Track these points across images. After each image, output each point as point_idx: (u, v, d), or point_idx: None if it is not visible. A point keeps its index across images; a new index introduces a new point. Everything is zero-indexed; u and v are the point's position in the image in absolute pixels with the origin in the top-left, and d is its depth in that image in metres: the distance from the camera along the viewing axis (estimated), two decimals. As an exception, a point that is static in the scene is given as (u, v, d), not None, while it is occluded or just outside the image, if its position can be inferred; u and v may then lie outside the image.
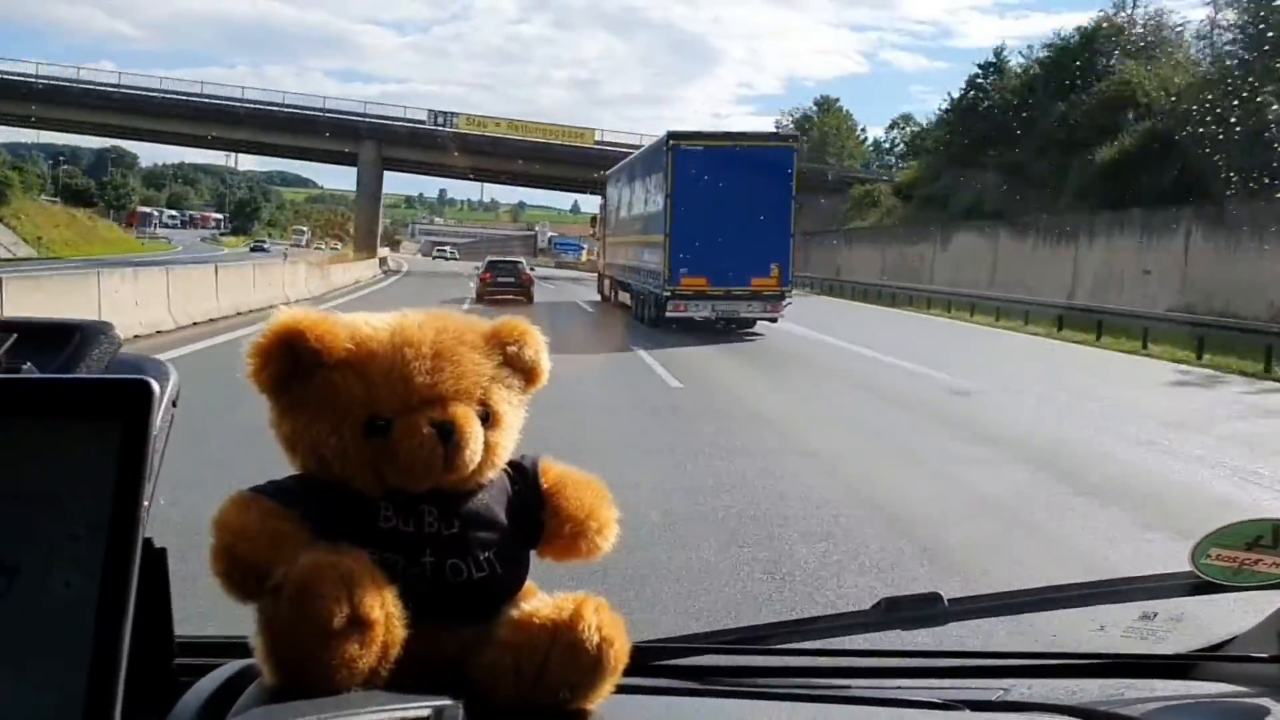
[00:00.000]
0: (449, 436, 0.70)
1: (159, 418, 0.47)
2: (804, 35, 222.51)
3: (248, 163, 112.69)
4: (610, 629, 0.68)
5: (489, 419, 0.74)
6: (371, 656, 0.63)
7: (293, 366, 0.71)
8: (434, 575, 0.70)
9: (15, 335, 0.50)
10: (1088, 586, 0.87)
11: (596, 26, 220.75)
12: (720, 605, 2.83)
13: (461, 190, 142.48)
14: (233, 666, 0.66)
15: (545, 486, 0.77)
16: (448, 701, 0.59)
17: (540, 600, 0.71)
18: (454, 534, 0.72)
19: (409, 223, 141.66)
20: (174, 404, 0.55)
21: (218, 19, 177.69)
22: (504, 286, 19.99)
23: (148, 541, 0.57)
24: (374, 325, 0.74)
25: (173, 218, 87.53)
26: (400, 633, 0.64)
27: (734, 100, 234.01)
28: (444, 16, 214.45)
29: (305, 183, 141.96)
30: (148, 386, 0.46)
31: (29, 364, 0.51)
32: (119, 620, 0.42)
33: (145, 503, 0.45)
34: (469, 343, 0.75)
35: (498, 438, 0.74)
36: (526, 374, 0.77)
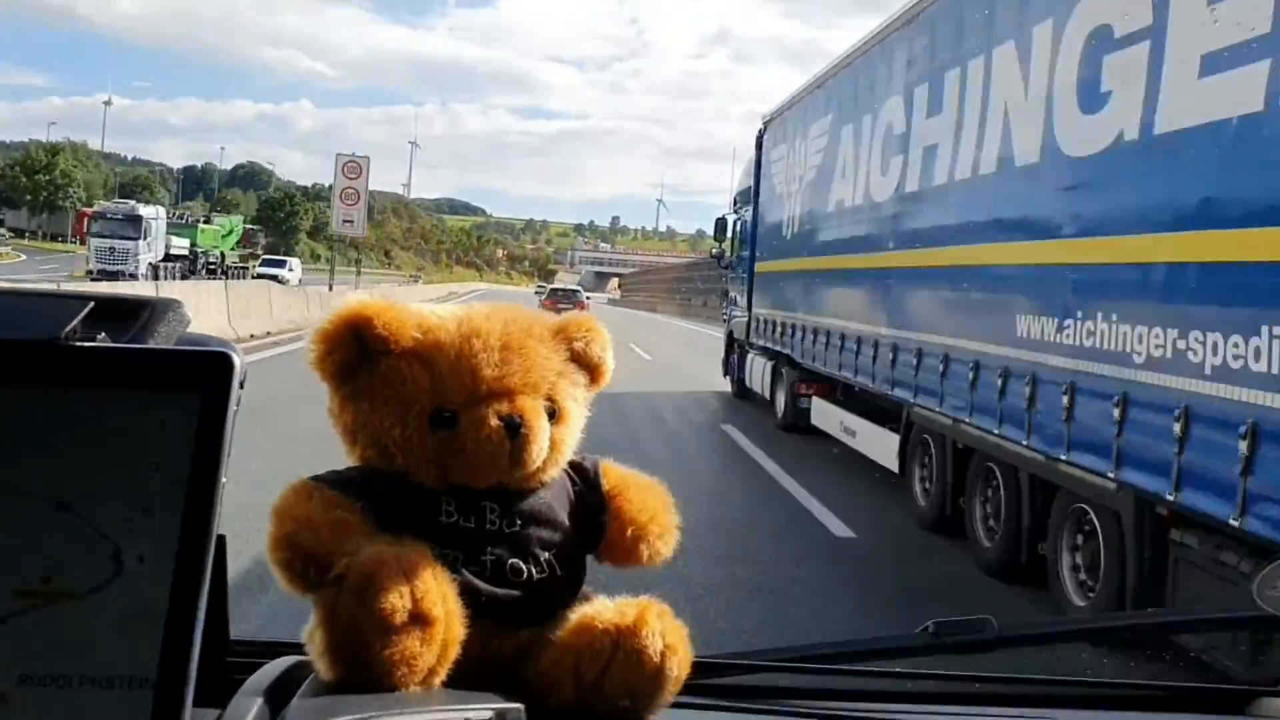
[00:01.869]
0: (516, 430, 0.70)
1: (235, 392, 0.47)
2: None
3: (419, 189, 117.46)
4: (673, 637, 0.67)
5: (554, 415, 0.74)
6: (431, 654, 0.62)
7: (358, 354, 0.71)
8: (494, 573, 0.70)
9: (92, 304, 0.50)
10: (1148, 616, 1.03)
11: (775, 59, 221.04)
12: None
13: (637, 215, 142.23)
14: (287, 661, 0.65)
15: (607, 488, 0.78)
16: (511, 705, 0.60)
17: (601, 604, 0.71)
18: (515, 532, 0.72)
19: (569, 250, 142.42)
20: (241, 385, 0.53)
21: (409, 58, 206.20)
22: (563, 310, 15.66)
23: None
24: (441, 316, 0.74)
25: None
26: (460, 631, 0.64)
27: None
28: (623, 53, 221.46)
29: (474, 210, 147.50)
30: (228, 358, 0.47)
31: (103, 334, 0.51)
32: (194, 599, 0.41)
33: (223, 479, 0.44)
34: (536, 336, 0.75)
35: (562, 434, 0.74)
36: (592, 371, 0.78)
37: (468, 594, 0.66)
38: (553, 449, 0.74)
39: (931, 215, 4.81)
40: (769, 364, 8.54)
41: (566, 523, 0.75)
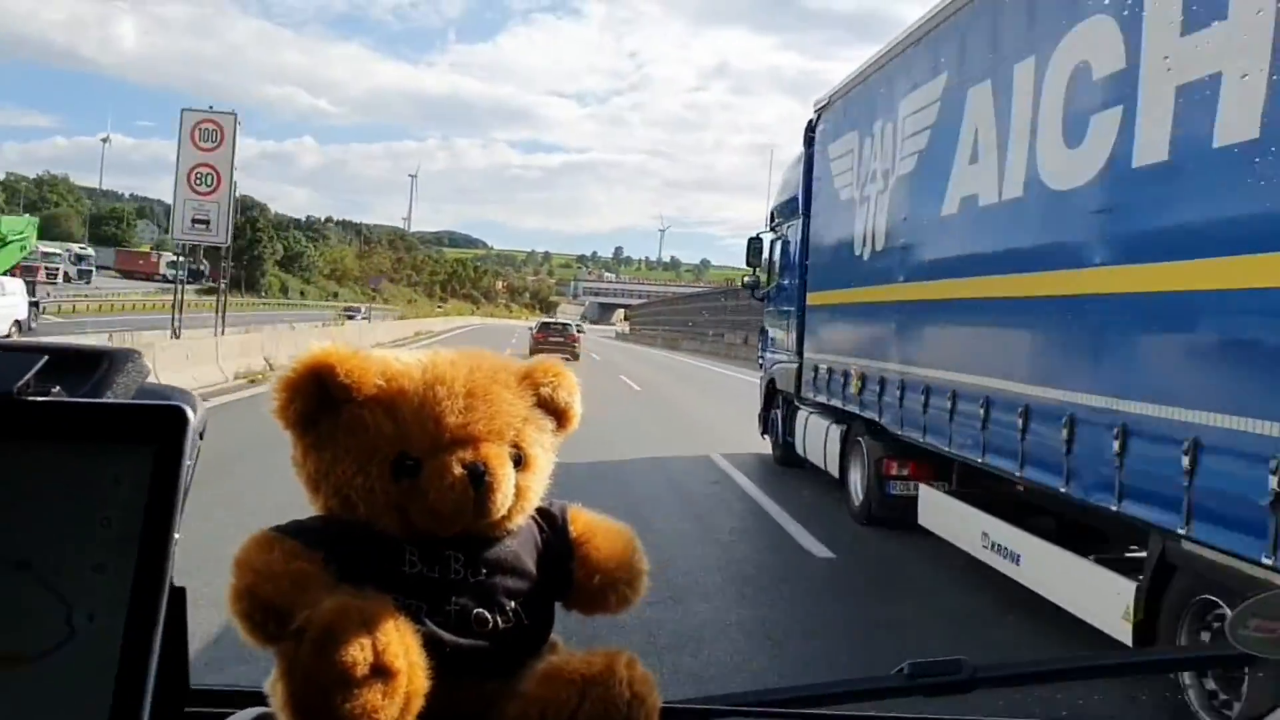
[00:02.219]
0: (480, 478, 0.71)
1: (191, 446, 0.48)
2: None
3: (421, 223, 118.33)
4: (642, 686, 0.67)
5: (520, 462, 0.75)
6: (394, 707, 0.62)
7: (321, 402, 0.72)
8: (458, 623, 0.70)
9: (46, 357, 0.51)
10: (1122, 656, 0.99)
11: (775, 91, 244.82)
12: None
13: (640, 247, 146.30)
14: (251, 712, 0.65)
15: (574, 535, 0.78)
16: None
17: (568, 653, 0.72)
18: (480, 581, 0.73)
19: (572, 281, 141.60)
20: (200, 436, 0.55)
21: (411, 94, 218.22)
22: (555, 344, 22.93)
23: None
24: (405, 362, 0.75)
25: (79, 259, 44.92)
26: (423, 683, 0.64)
27: None
28: (623, 87, 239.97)
29: (475, 243, 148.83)
30: (182, 413, 0.47)
31: (58, 388, 0.51)
32: (145, 656, 0.41)
33: (176, 534, 0.44)
34: (502, 382, 0.76)
35: (529, 481, 0.75)
36: (559, 417, 0.78)
37: (431, 645, 0.66)
38: (519, 496, 0.75)
39: (1168, 206, 2.82)
40: (836, 428, 6.33)
41: (533, 570, 0.76)
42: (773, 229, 8.45)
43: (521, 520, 0.78)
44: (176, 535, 0.44)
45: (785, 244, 7.85)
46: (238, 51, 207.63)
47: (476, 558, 0.74)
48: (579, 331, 25.99)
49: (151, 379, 0.58)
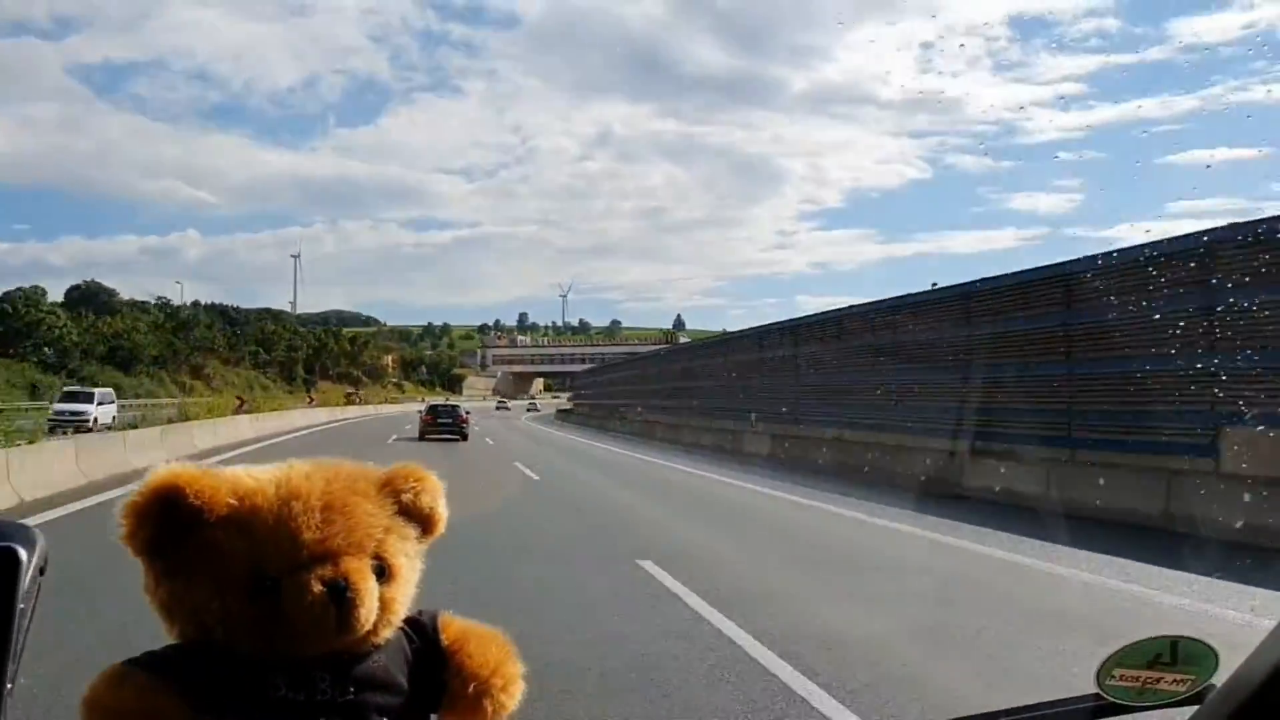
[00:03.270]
0: (342, 595, 0.84)
1: (25, 588, 0.50)
2: (866, 147, 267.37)
3: (306, 306, 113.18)
4: None
5: (384, 573, 0.89)
6: None
7: (171, 526, 0.84)
8: None
9: None
10: (988, 717, 1.02)
11: (658, 156, 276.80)
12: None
13: (543, 314, 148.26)
14: None
15: (446, 643, 0.95)
16: None
17: None
18: (349, 701, 0.86)
19: (478, 351, 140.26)
20: (41, 571, 0.58)
21: (295, 180, 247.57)
22: (443, 426, 27.42)
23: None
24: (258, 478, 0.90)
25: None
26: None
27: (799, 216, 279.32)
28: (509, 160, 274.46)
29: (366, 321, 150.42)
30: (12, 554, 0.51)
31: None
32: None
33: (9, 684, 0.47)
34: (361, 492, 0.91)
35: (394, 593, 0.90)
36: (423, 522, 0.95)
37: None
38: (384, 609, 0.88)
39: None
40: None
41: (405, 684, 0.90)
42: None
43: (389, 633, 0.91)
44: (10, 685, 0.48)
45: None
46: (111, 146, 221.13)
47: (344, 676, 0.86)
48: (467, 414, 30.02)
49: None
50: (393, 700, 0.89)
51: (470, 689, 0.93)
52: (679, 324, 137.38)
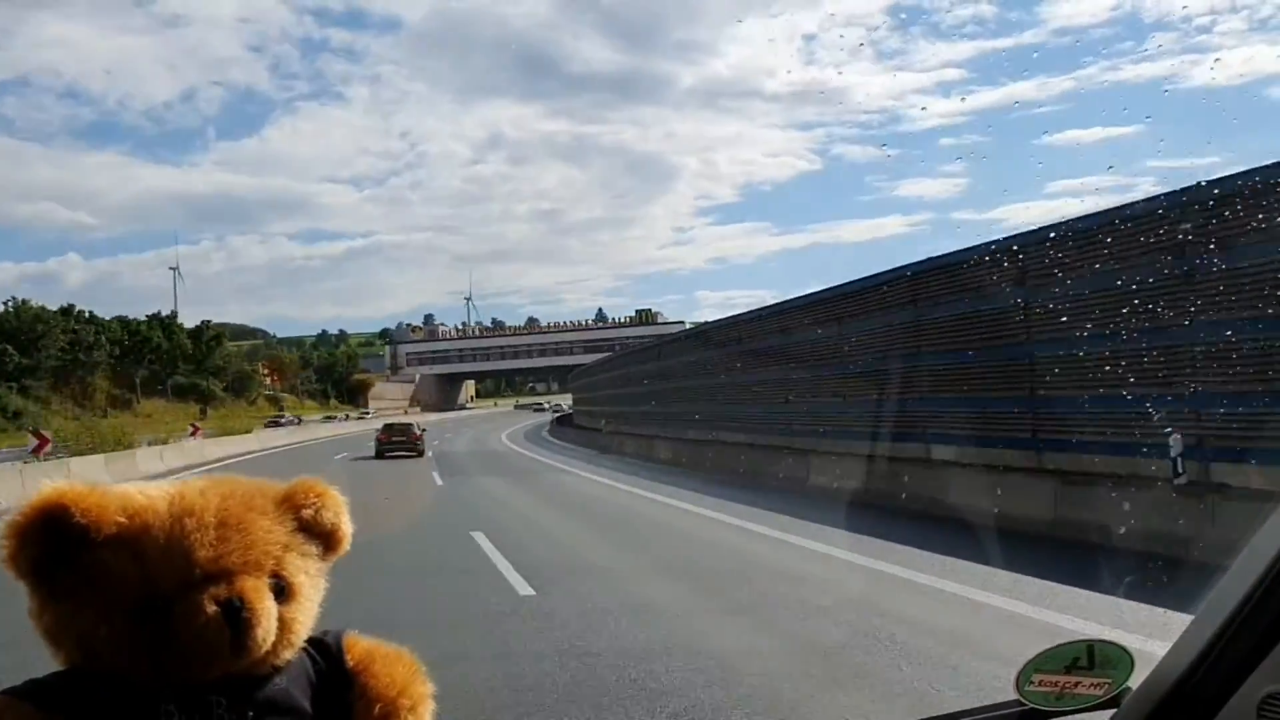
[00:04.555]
0: (237, 615, 1.01)
1: None
2: (755, 141, 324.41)
3: (191, 323, 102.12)
4: None
5: (283, 592, 1.08)
6: None
7: (56, 547, 1.01)
8: None
9: None
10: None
11: (551, 158, 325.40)
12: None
13: (447, 318, 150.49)
14: None
15: (351, 664, 1.15)
16: None
17: None
18: None
19: (385, 350, 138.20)
20: None
21: (177, 196, 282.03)
22: (397, 444, 36.80)
23: None
24: (150, 495, 1.08)
25: None
26: None
27: (695, 213, 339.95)
28: (399, 167, 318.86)
29: (254, 334, 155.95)
30: None
31: None
32: None
33: None
34: (258, 508, 1.11)
35: (294, 613, 1.09)
36: (325, 539, 1.16)
37: None
38: (284, 630, 1.07)
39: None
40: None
41: (308, 708, 1.09)
42: None
43: (290, 654, 1.09)
44: None
45: None
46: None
47: (242, 700, 1.03)
48: (421, 430, 39.81)
49: None
50: None
51: (376, 710, 1.14)
52: (600, 315, 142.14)
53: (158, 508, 1.07)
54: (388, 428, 39.78)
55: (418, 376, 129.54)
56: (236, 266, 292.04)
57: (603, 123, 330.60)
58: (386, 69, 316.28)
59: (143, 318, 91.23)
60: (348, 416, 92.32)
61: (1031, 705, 1.29)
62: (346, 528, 1.19)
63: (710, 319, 50.02)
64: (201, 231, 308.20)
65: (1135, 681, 1.28)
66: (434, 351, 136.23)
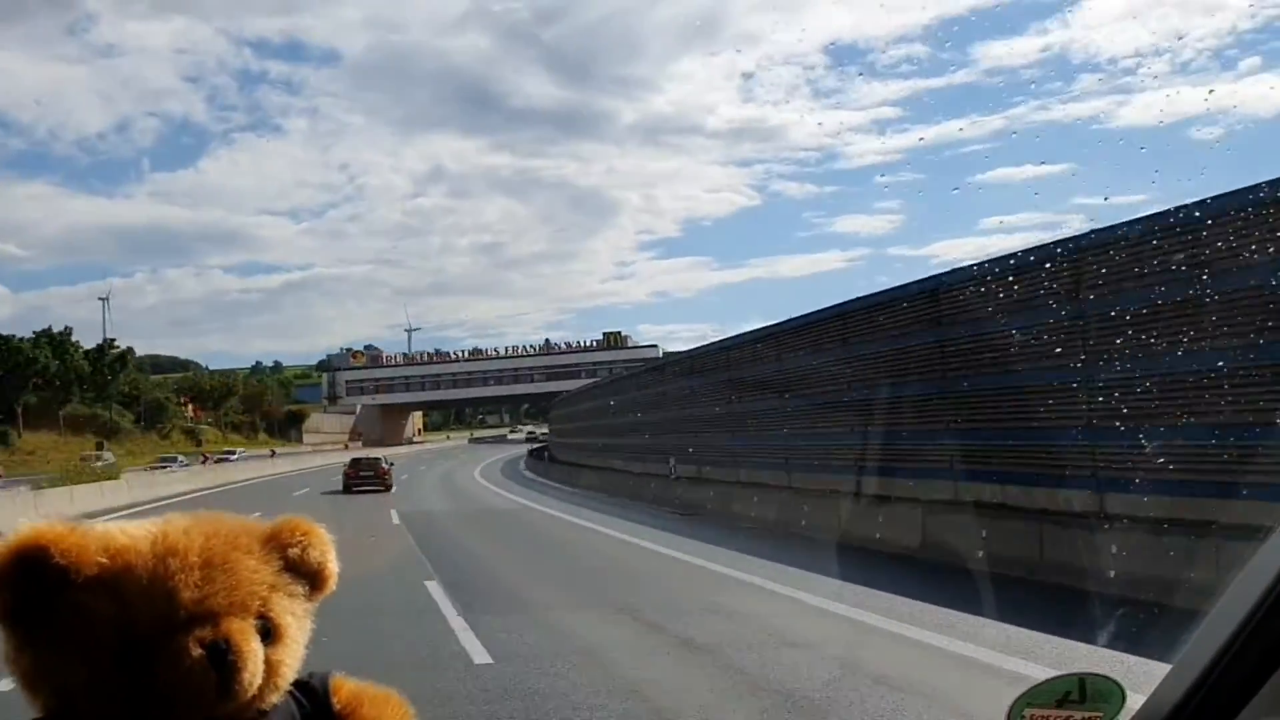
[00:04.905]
0: (223, 658, 1.06)
1: None
2: (695, 177, 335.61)
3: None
4: None
5: (270, 634, 1.14)
6: None
7: (33, 589, 1.04)
8: None
9: None
10: None
11: (493, 192, 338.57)
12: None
13: (392, 347, 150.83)
14: None
15: (338, 707, 1.23)
16: None
17: None
18: None
19: (323, 380, 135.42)
20: None
21: (110, 229, 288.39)
22: (365, 479, 38.65)
23: None
24: (132, 534, 1.13)
25: None
26: None
27: (637, 247, 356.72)
28: (338, 199, 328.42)
29: (185, 366, 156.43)
30: None
31: None
32: None
33: None
34: (243, 548, 1.17)
35: (281, 655, 1.15)
36: (312, 578, 1.22)
37: None
38: (270, 673, 1.12)
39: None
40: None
41: None
42: None
43: (276, 698, 1.13)
44: None
45: None
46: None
47: None
48: (389, 464, 42.32)
49: None
50: None
51: None
52: (547, 345, 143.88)
53: (140, 547, 1.11)
54: (355, 462, 41.78)
55: (359, 407, 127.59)
56: (170, 300, 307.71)
57: (545, 157, 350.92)
58: (325, 101, 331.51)
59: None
60: (274, 453, 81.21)
61: None
62: (333, 566, 1.25)
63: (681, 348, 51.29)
64: (135, 264, 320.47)
65: (1126, 716, 1.36)
66: (376, 379, 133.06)
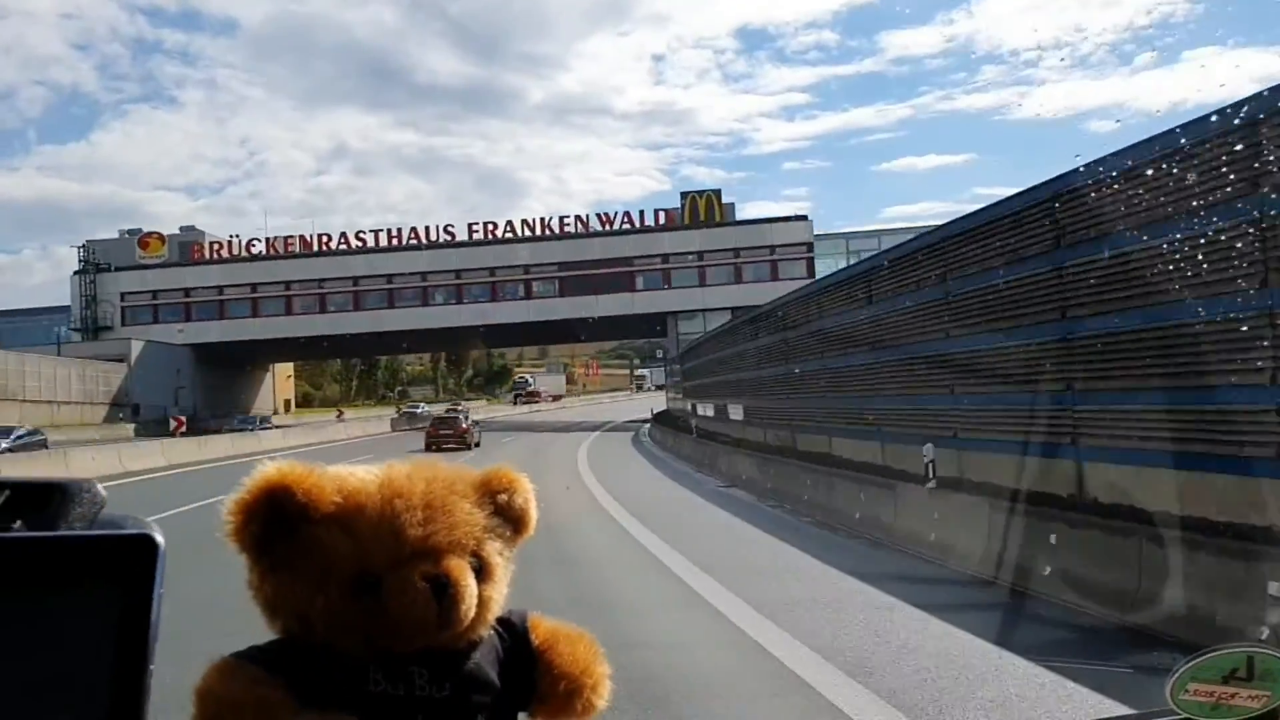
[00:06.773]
0: (444, 591, 1.19)
1: (161, 576, 0.70)
2: (605, 159, 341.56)
3: None
4: None
5: (481, 572, 1.26)
6: None
7: (277, 524, 1.20)
8: None
9: (8, 492, 0.74)
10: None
11: (398, 170, 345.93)
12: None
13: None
14: None
15: (536, 643, 1.33)
16: None
17: None
18: (446, 697, 1.21)
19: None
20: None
21: None
22: (445, 436, 40.95)
23: None
24: (362, 477, 1.27)
25: None
26: None
27: None
28: (237, 175, 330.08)
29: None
30: (150, 541, 0.71)
31: (19, 522, 0.74)
32: None
33: (151, 666, 0.64)
34: (460, 492, 1.29)
35: (490, 591, 1.27)
36: (515, 523, 1.33)
37: None
38: (481, 607, 1.24)
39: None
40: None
41: (497, 682, 1.26)
42: None
43: (484, 631, 1.28)
44: (151, 668, 0.68)
45: None
46: None
47: (441, 673, 1.21)
48: (468, 422, 44.29)
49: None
50: (487, 698, 1.25)
51: (561, 688, 1.31)
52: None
53: (369, 489, 1.24)
54: (438, 421, 44.68)
55: (140, 346, 64.19)
56: (61, 278, 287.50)
57: (451, 135, 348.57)
58: (223, 72, 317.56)
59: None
60: None
61: (1186, 715, 1.33)
62: (534, 513, 1.36)
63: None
64: (23, 241, 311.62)
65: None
66: (189, 290, 69.50)
